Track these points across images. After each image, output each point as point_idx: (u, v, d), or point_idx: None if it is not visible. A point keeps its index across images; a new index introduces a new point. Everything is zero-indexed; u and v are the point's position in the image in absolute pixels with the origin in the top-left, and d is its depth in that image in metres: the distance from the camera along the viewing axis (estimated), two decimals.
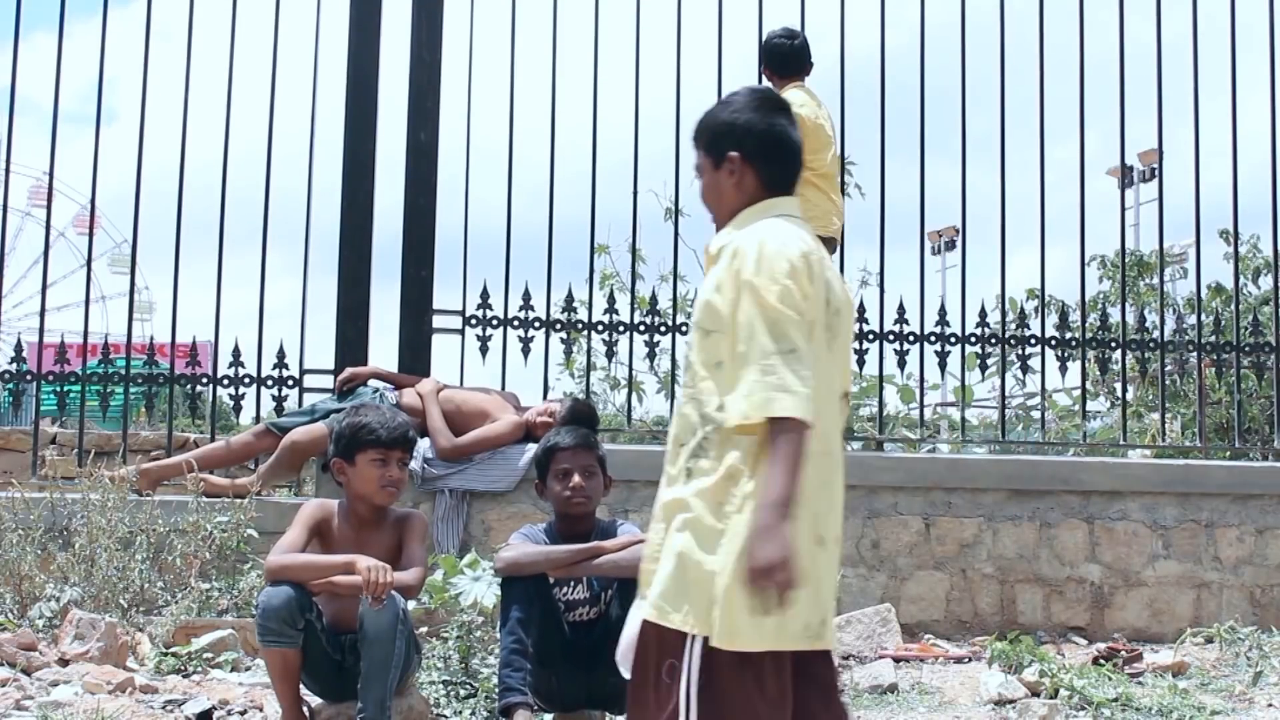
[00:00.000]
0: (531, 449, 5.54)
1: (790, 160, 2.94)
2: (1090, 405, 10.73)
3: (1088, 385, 8.21)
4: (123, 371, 6.70)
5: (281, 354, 6.52)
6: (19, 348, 6.62)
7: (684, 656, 2.72)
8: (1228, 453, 8.18)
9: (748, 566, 2.62)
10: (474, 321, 6.64)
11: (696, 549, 2.72)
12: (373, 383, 6.27)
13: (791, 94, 6.61)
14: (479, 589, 4.67)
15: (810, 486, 2.73)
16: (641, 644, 2.82)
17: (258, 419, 6.55)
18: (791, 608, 2.66)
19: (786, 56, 6.65)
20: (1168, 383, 11.38)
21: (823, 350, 2.81)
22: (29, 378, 6.60)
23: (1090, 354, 7.46)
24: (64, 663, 4.69)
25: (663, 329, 6.97)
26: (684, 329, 6.86)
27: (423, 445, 5.78)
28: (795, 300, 2.74)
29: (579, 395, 7.22)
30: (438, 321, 6.64)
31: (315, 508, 4.16)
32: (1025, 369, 7.20)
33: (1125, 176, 9.43)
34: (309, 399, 6.46)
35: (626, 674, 2.99)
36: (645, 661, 2.81)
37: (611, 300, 6.96)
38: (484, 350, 6.62)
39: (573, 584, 4.25)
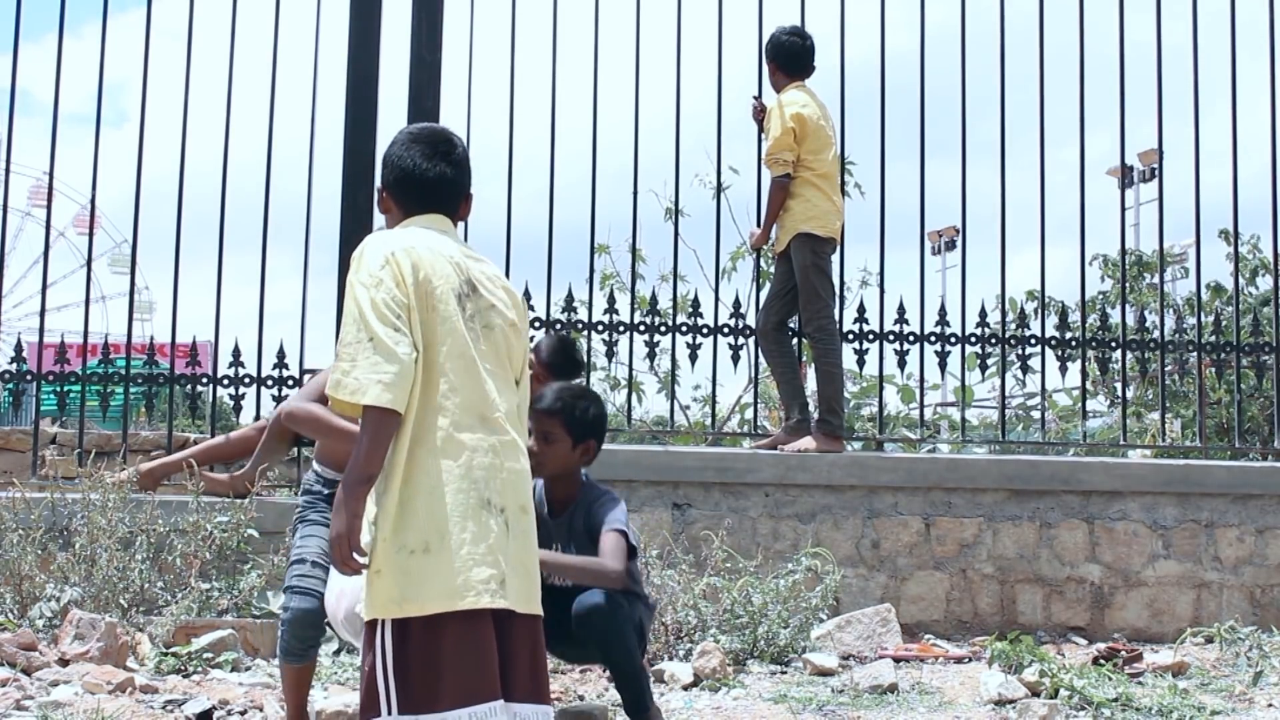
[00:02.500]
0: None
1: (418, 187, 3.10)
2: (1090, 405, 10.76)
3: (1088, 385, 8.21)
4: (123, 371, 6.70)
5: (282, 354, 6.52)
6: (19, 348, 6.61)
7: (376, 642, 2.87)
8: (1228, 453, 8.17)
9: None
10: None
11: None
12: None
13: (793, 94, 6.63)
14: None
15: (465, 455, 2.89)
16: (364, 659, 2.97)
17: (258, 419, 6.54)
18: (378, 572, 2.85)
19: (795, 54, 6.68)
20: (1168, 383, 11.39)
21: (462, 328, 2.94)
22: (29, 378, 6.60)
23: (1090, 354, 7.46)
24: (64, 663, 4.69)
25: (663, 329, 6.96)
26: (684, 329, 6.87)
27: None
28: (386, 291, 2.87)
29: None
30: None
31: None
32: (1025, 369, 7.19)
33: (1125, 176, 9.42)
34: None
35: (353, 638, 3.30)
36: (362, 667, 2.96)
37: (611, 300, 6.95)
38: None
39: None
